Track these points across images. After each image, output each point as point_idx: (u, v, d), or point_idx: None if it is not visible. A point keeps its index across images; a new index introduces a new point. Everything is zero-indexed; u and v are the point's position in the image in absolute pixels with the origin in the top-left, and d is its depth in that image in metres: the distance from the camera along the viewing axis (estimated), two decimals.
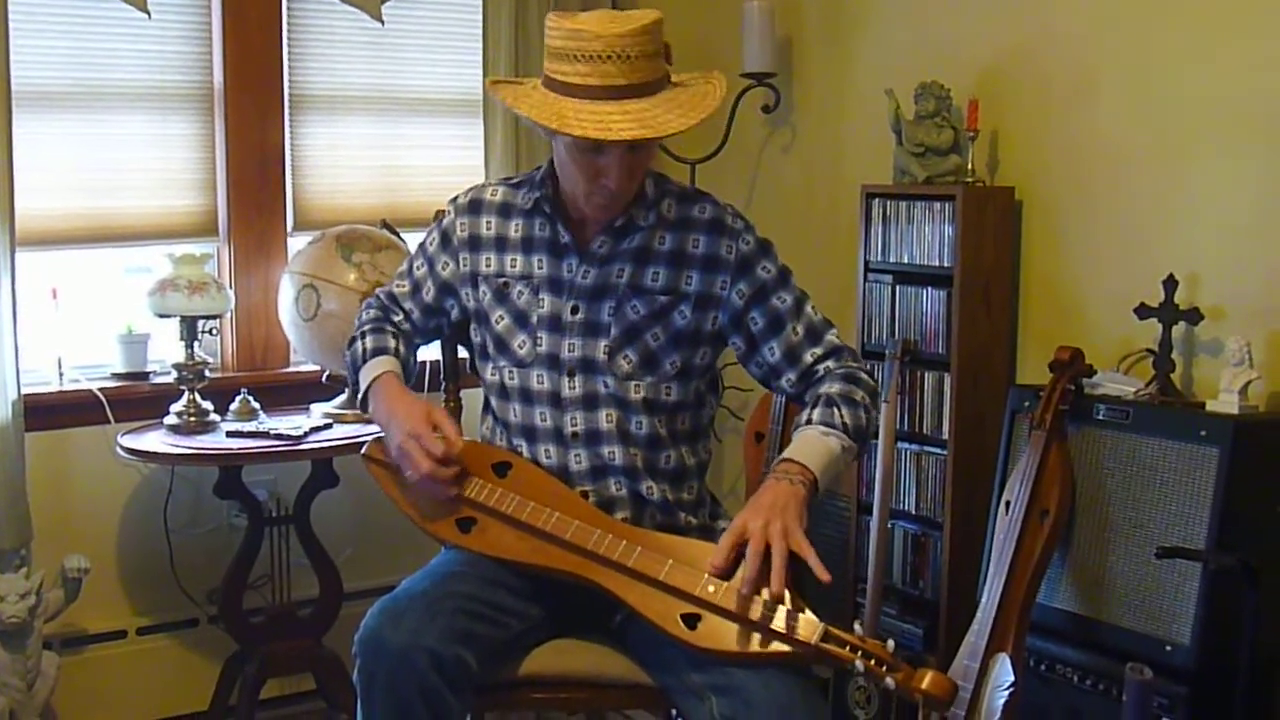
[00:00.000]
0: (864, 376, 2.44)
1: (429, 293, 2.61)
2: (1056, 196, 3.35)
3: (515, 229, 2.51)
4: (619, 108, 2.24)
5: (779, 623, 2.14)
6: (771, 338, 2.45)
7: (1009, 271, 3.41)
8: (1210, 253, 3.01)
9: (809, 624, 2.14)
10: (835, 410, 2.36)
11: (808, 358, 2.45)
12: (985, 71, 3.49)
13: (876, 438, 3.29)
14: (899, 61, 3.72)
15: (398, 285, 2.66)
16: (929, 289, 3.40)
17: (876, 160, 3.68)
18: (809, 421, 2.36)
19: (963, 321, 3.32)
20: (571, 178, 2.40)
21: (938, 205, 3.36)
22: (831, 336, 2.48)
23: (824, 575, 2.14)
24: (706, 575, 2.21)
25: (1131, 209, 3.18)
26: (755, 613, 2.15)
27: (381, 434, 2.51)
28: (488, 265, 2.53)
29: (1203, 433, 2.76)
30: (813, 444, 2.33)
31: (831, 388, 2.40)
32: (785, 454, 2.33)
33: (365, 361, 2.55)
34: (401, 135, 4.14)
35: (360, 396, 2.55)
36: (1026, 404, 3.05)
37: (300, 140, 3.99)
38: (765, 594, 2.15)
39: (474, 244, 2.55)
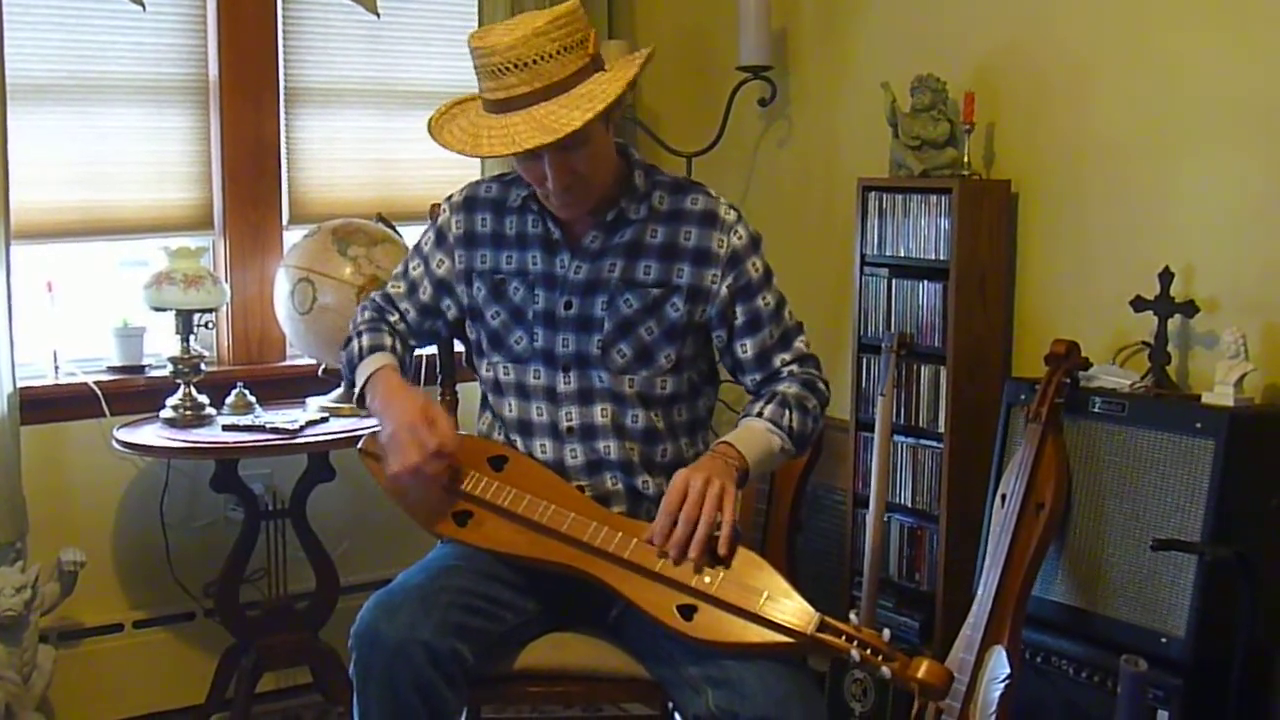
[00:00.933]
0: (821, 387, 2.51)
1: (425, 292, 2.60)
2: (1052, 189, 3.35)
3: (509, 225, 2.52)
4: (525, 116, 2.24)
5: (775, 613, 2.15)
6: (747, 336, 2.48)
7: (1005, 264, 3.41)
8: (1206, 245, 3.01)
9: (805, 614, 2.15)
10: (787, 412, 2.42)
11: (776, 362, 2.50)
12: (981, 65, 3.48)
13: (870, 429, 3.30)
14: (895, 54, 3.72)
15: (393, 286, 2.65)
16: (925, 282, 3.40)
17: (873, 153, 3.68)
18: (759, 414, 2.42)
19: (959, 314, 3.32)
20: (530, 182, 2.42)
21: (934, 198, 3.36)
22: (799, 343, 2.53)
23: (723, 548, 2.21)
24: (704, 567, 2.21)
25: (1127, 202, 3.18)
26: (751, 603, 2.16)
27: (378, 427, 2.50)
28: (483, 262, 2.53)
29: (1198, 425, 2.76)
30: (756, 436, 2.39)
31: (789, 389, 2.46)
32: (727, 438, 2.37)
33: (362, 359, 2.54)
34: (397, 128, 4.13)
35: (358, 392, 2.54)
36: (1022, 397, 3.06)
37: (296, 133, 3.98)
38: (762, 587, 2.17)
39: (470, 240, 2.55)
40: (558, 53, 2.24)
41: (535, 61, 2.23)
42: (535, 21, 2.24)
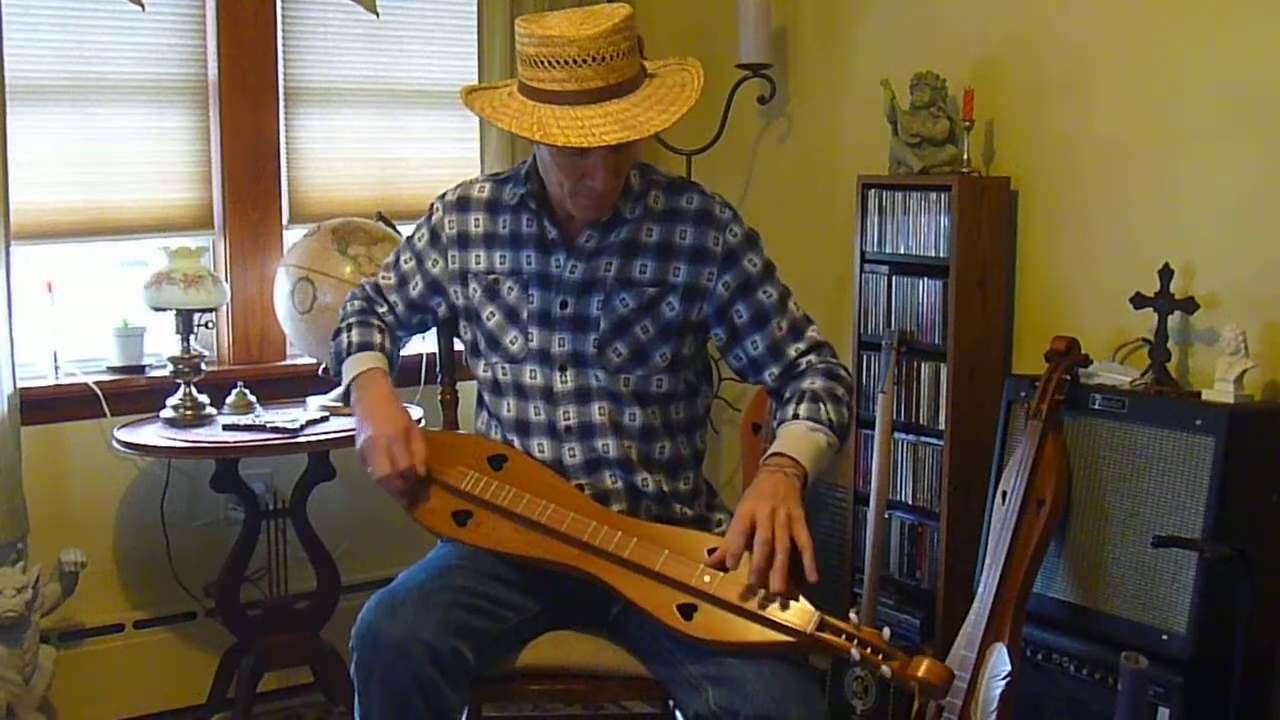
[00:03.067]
0: (843, 373, 2.48)
1: (415, 288, 2.61)
2: (1052, 186, 3.35)
3: (503, 225, 2.51)
4: (600, 110, 2.23)
5: (775, 612, 2.15)
6: (755, 331, 2.46)
7: (1005, 262, 3.42)
8: (1205, 242, 3.01)
9: (805, 613, 2.14)
10: (821, 406, 2.38)
11: (791, 352, 2.47)
12: (980, 62, 3.48)
13: (870, 427, 3.30)
14: (894, 52, 3.72)
15: (384, 278, 2.66)
16: (925, 279, 3.40)
17: (872, 151, 3.68)
18: (795, 416, 2.38)
19: (959, 312, 3.33)
20: (556, 180, 2.40)
21: (933, 195, 3.36)
22: (812, 332, 2.50)
23: (813, 576, 2.16)
24: (702, 565, 2.21)
25: (1127, 198, 3.18)
26: (751, 602, 2.16)
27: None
28: (477, 262, 2.53)
29: (1198, 422, 2.76)
30: (801, 439, 2.35)
31: (815, 383, 2.42)
32: (775, 448, 2.34)
33: (350, 355, 2.56)
34: (397, 128, 4.13)
35: (344, 389, 2.57)
36: (1023, 394, 3.06)
37: (295, 133, 3.98)
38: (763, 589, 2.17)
39: (463, 241, 2.55)
40: (627, 52, 2.25)
41: (611, 57, 2.22)
42: (612, 19, 2.23)
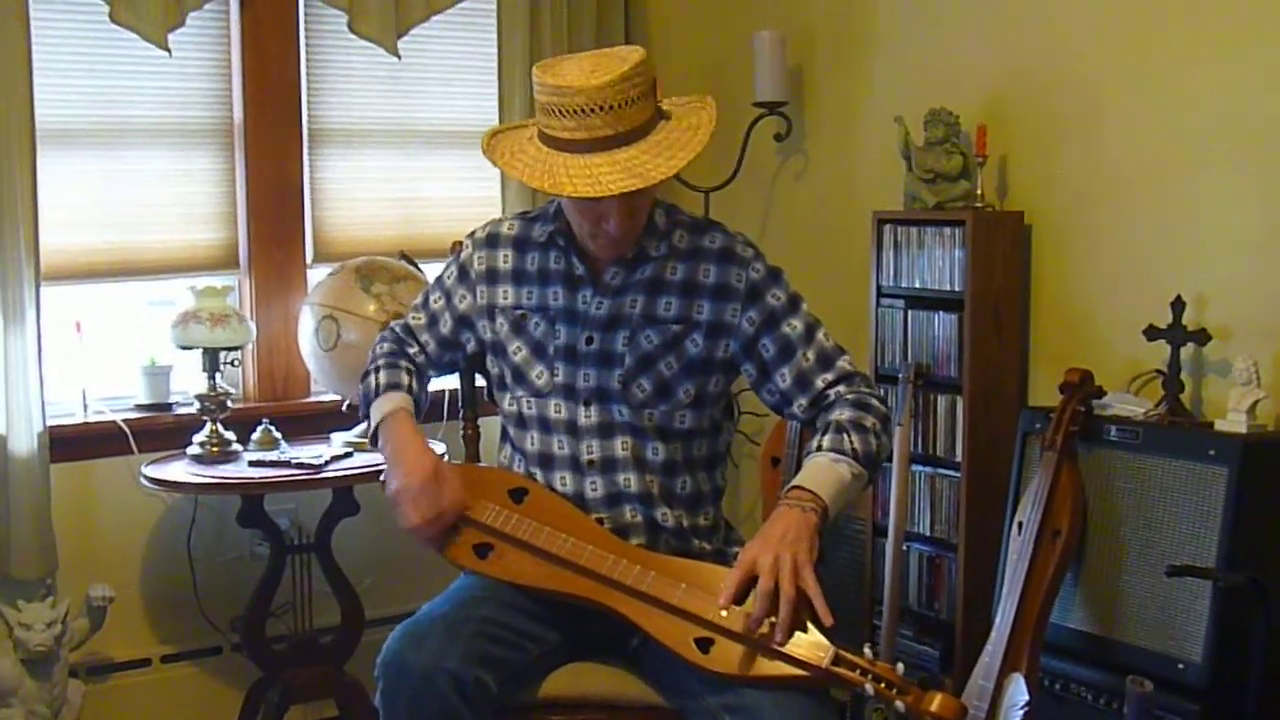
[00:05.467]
0: (875, 403, 2.44)
1: (445, 325, 2.64)
2: (1065, 220, 3.38)
3: (531, 262, 2.55)
4: (608, 159, 2.26)
5: (790, 647, 2.16)
6: (783, 364, 2.46)
7: (1019, 295, 3.44)
8: (1217, 274, 3.03)
9: (820, 647, 2.15)
10: (845, 437, 2.35)
11: (819, 383, 2.45)
12: (992, 97, 3.52)
13: (890, 462, 3.31)
14: (908, 89, 3.76)
15: (414, 318, 2.68)
16: (940, 313, 3.43)
17: (887, 186, 3.72)
18: (819, 448, 2.36)
19: (974, 345, 3.35)
20: (576, 222, 2.44)
21: (948, 230, 3.39)
22: (844, 363, 2.48)
23: (827, 619, 2.15)
24: (720, 601, 2.23)
25: (1139, 231, 3.21)
26: (768, 637, 2.18)
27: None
28: (505, 298, 2.56)
29: (1212, 452, 2.78)
30: (823, 471, 2.32)
31: (842, 414, 2.40)
32: (795, 481, 2.32)
33: (378, 394, 2.58)
34: (419, 168, 4.19)
35: (371, 432, 2.59)
36: (1038, 426, 3.08)
37: (319, 173, 4.04)
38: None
39: (491, 277, 2.58)
40: (638, 99, 2.27)
41: (620, 106, 2.25)
42: (621, 67, 2.25)
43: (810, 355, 2.46)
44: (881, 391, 2.54)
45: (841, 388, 2.45)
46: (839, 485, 2.32)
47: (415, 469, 2.43)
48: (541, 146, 2.33)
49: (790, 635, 2.16)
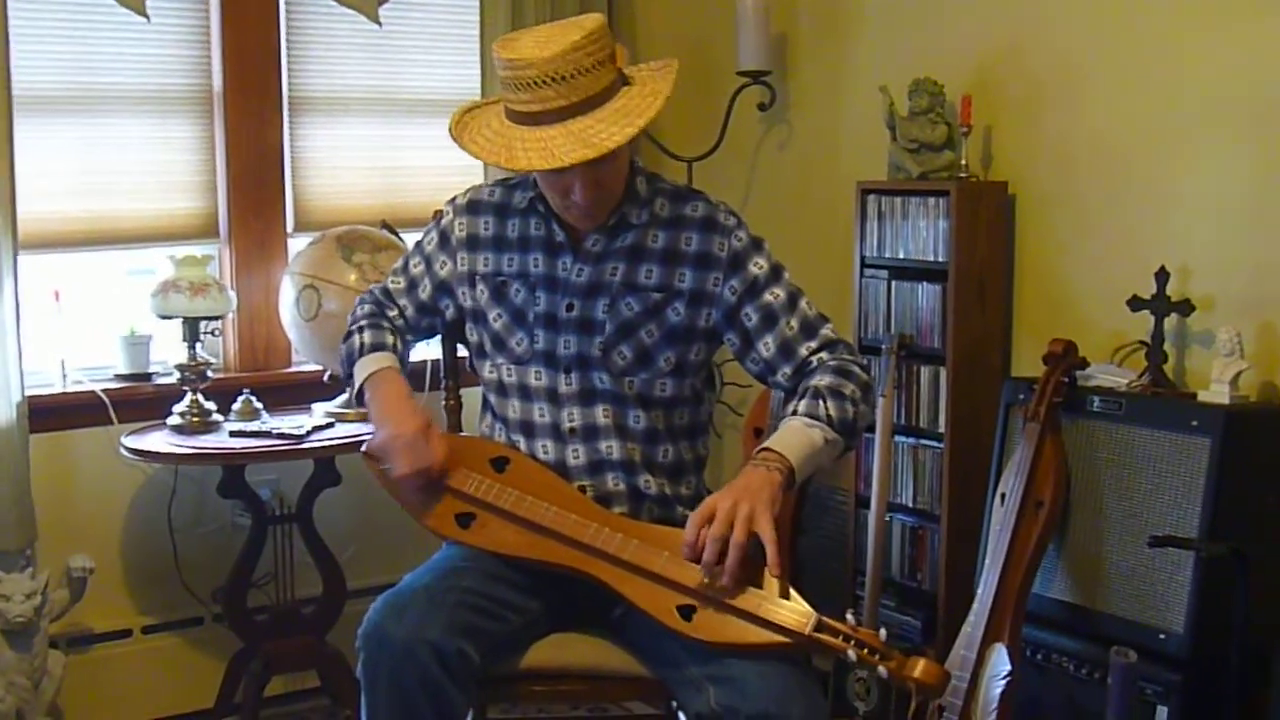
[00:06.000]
0: (856, 370, 2.44)
1: (425, 291, 2.63)
2: (1049, 191, 3.38)
3: (512, 228, 2.54)
4: (563, 129, 2.26)
5: (772, 613, 2.17)
6: (765, 333, 2.46)
7: (1003, 265, 3.44)
8: (1201, 244, 3.03)
9: (802, 614, 2.16)
10: (821, 402, 2.36)
11: (802, 351, 2.45)
12: (978, 67, 3.51)
13: (871, 430, 3.31)
14: (893, 58, 3.74)
15: (393, 282, 2.68)
16: (924, 284, 3.42)
17: (871, 156, 3.71)
18: (794, 413, 2.37)
19: (958, 316, 3.35)
20: (549, 194, 2.44)
21: (932, 201, 3.38)
22: (827, 331, 2.48)
23: (775, 569, 2.17)
24: (744, 586, 2.21)
25: (1123, 202, 3.21)
26: (750, 604, 2.18)
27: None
28: (485, 264, 2.56)
29: (1194, 423, 2.78)
30: (794, 434, 2.34)
31: (821, 380, 2.40)
32: (766, 443, 2.34)
33: (363, 354, 2.58)
34: (400, 136, 4.16)
35: (357, 389, 2.58)
36: (1021, 396, 3.08)
37: (299, 142, 4.01)
38: (761, 587, 2.18)
39: (472, 244, 2.57)
40: (592, 67, 2.27)
41: (572, 76, 2.25)
42: (571, 36, 2.25)
43: (794, 324, 2.46)
44: (865, 360, 2.54)
45: (824, 354, 2.45)
46: (809, 449, 2.33)
47: (407, 421, 2.44)
48: (505, 121, 2.33)
49: (737, 583, 2.17)
